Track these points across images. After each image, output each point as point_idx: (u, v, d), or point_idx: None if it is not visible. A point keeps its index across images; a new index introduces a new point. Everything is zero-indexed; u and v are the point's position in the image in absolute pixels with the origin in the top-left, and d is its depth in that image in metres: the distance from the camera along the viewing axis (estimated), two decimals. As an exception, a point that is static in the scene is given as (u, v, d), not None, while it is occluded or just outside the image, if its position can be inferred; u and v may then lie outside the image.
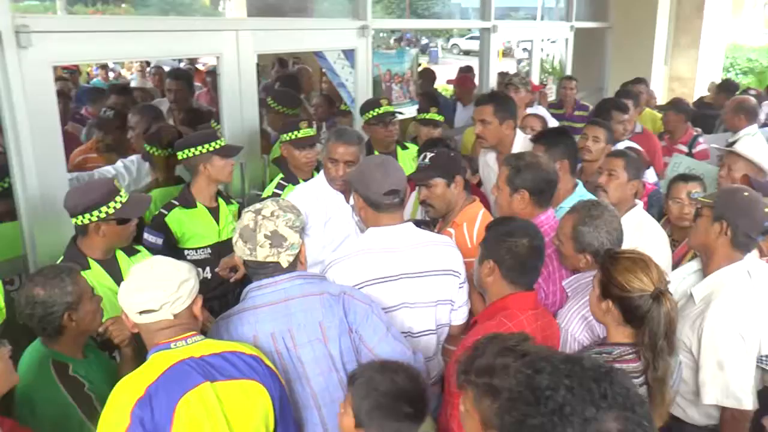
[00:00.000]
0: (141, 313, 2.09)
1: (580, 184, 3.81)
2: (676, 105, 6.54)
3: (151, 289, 2.08)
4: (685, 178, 4.13)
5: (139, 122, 4.77)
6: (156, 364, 2.05)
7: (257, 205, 2.43)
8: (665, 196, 4.25)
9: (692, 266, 3.13)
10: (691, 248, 3.14)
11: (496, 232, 2.64)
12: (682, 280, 3.08)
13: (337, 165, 3.55)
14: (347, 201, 3.58)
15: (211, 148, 3.66)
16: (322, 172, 3.69)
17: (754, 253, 3.15)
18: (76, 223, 3.01)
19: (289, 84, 6.87)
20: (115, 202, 2.99)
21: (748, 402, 2.72)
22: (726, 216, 2.85)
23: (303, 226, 2.46)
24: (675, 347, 2.36)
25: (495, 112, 4.26)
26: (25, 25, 3.22)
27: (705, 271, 2.99)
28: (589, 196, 3.59)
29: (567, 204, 3.40)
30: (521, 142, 4.37)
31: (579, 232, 2.86)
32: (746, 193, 2.93)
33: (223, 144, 3.74)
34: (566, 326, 2.72)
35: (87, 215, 2.95)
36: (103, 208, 2.96)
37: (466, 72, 8.96)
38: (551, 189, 3.24)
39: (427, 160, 3.38)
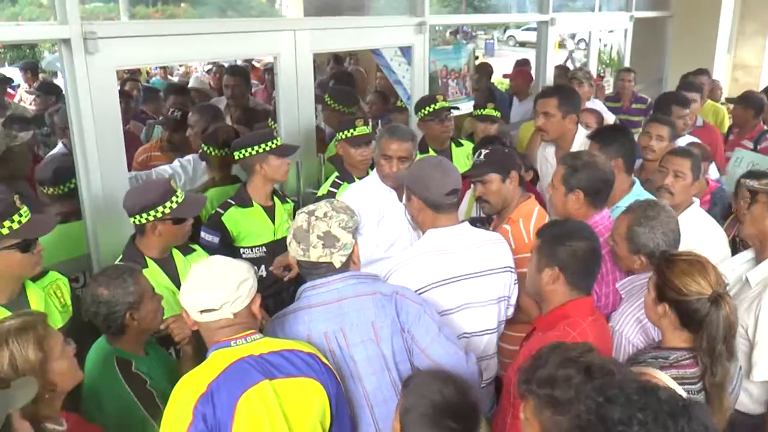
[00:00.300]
0: (202, 312, 2.15)
1: (638, 182, 3.73)
2: (745, 99, 6.31)
3: (211, 289, 2.13)
4: (756, 176, 4.01)
5: (198, 121, 4.88)
6: (217, 362, 2.11)
7: (311, 207, 2.48)
8: (734, 195, 4.12)
9: (746, 255, 3.13)
10: (744, 235, 3.10)
11: (555, 237, 2.55)
12: (731, 270, 3.05)
13: (391, 161, 3.58)
14: (400, 199, 3.61)
15: (268, 148, 3.72)
16: (374, 170, 3.73)
17: None
18: (134, 222, 3.10)
19: (345, 82, 6.92)
20: (171, 202, 3.07)
21: None
22: None
23: (356, 226, 2.49)
24: (734, 352, 2.31)
25: (559, 105, 4.25)
26: (92, 32, 3.32)
27: (759, 258, 2.99)
28: (646, 195, 3.53)
29: (623, 203, 3.33)
30: (582, 138, 4.33)
31: (634, 233, 2.81)
32: None
33: (279, 143, 3.79)
34: (620, 329, 2.69)
35: (144, 215, 3.04)
36: (160, 208, 3.04)
37: (522, 65, 8.86)
38: (608, 189, 3.20)
39: (482, 156, 3.39)
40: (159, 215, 3.05)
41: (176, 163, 4.56)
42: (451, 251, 2.79)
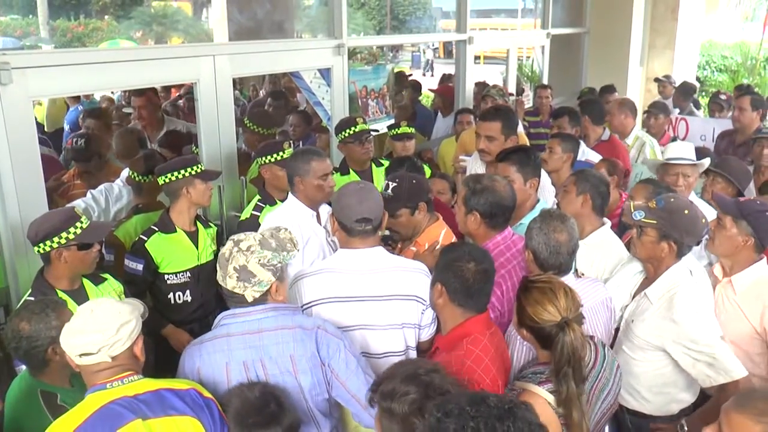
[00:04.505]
0: (81, 355, 2.19)
1: (542, 201, 3.85)
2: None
3: (90, 333, 2.18)
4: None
5: (120, 147, 4.86)
6: (88, 405, 2.14)
7: (240, 236, 2.54)
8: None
9: (636, 267, 3.33)
10: (636, 257, 3.31)
11: (446, 257, 2.72)
12: (616, 287, 3.28)
13: (327, 179, 3.70)
14: (319, 222, 3.72)
15: (194, 172, 3.79)
16: (290, 195, 3.76)
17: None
18: (38, 252, 3.08)
19: (280, 99, 7.00)
20: (75, 227, 3.07)
21: (742, 370, 2.91)
22: (672, 236, 3.06)
23: (282, 265, 2.53)
24: (584, 376, 2.41)
25: (502, 129, 4.36)
26: (5, 62, 3.32)
27: (651, 275, 3.19)
28: None
29: (526, 221, 3.42)
30: None
31: (530, 230, 2.99)
32: (686, 211, 3.10)
33: (203, 168, 3.86)
34: (510, 343, 2.84)
35: (48, 242, 3.03)
36: (63, 234, 3.04)
37: (448, 81, 9.02)
38: (504, 214, 3.28)
39: (389, 191, 3.42)
40: (63, 241, 3.04)
41: (88, 195, 4.54)
42: (355, 272, 2.87)
